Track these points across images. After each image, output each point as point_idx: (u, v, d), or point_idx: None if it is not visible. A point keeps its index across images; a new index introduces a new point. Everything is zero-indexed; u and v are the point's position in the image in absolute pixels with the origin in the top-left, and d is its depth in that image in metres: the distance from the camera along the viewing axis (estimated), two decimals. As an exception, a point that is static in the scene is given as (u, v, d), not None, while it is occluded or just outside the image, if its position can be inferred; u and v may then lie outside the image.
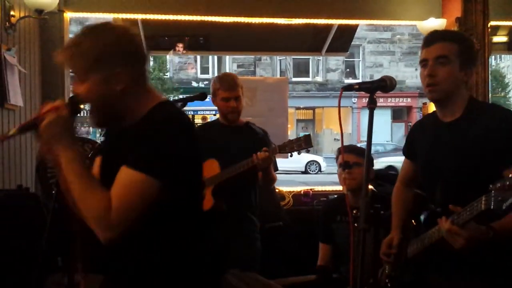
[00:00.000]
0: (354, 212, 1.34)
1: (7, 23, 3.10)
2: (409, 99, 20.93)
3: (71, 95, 1.38)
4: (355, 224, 1.34)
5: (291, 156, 2.54)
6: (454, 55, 1.72)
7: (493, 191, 1.38)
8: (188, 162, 1.32)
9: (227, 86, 2.62)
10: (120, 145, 1.33)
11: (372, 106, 1.39)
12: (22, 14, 3.28)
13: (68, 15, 3.74)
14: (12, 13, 3.14)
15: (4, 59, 3.00)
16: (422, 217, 1.89)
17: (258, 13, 3.89)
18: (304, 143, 2.39)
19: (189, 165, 1.33)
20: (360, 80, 19.60)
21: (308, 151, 2.62)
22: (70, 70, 1.34)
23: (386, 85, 1.43)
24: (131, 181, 1.24)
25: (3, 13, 3.06)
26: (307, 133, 2.48)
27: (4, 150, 3.06)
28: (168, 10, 3.78)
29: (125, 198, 1.24)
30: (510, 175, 1.34)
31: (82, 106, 1.35)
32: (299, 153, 2.48)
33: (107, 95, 1.31)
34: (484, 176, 1.44)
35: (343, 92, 1.45)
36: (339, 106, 1.32)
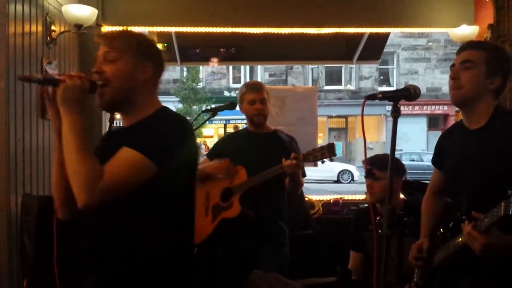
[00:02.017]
0: (378, 218, 1.36)
1: (48, 37, 3.26)
2: (445, 107, 20.45)
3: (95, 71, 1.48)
4: (379, 231, 1.36)
5: (315, 165, 2.54)
6: (481, 61, 1.74)
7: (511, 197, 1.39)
8: (183, 159, 1.42)
9: (252, 88, 2.70)
10: (119, 143, 1.40)
11: (396, 114, 1.41)
12: (62, 29, 3.44)
13: (106, 29, 3.90)
14: (53, 28, 3.31)
15: (46, 72, 3.16)
16: (448, 226, 1.89)
17: (287, 24, 3.94)
18: (328, 152, 2.38)
19: (185, 161, 1.43)
20: (394, 88, 19.30)
21: (332, 160, 2.61)
22: (105, 50, 1.46)
23: (410, 94, 1.45)
24: (127, 157, 1.34)
25: (44, 28, 3.22)
26: (331, 142, 2.47)
27: (45, 157, 3.20)
28: (200, 22, 3.89)
29: (118, 170, 1.32)
30: None
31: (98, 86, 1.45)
32: (322, 162, 2.48)
33: (131, 79, 1.45)
34: (507, 184, 1.43)
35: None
36: (362, 115, 1.34)
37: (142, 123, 1.45)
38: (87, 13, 3.35)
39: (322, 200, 3.74)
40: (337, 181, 16.68)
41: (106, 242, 1.44)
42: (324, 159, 2.42)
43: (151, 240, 1.41)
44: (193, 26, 3.94)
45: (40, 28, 3.16)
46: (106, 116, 3.69)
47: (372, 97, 1.45)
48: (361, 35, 4.50)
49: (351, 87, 21.38)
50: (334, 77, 21.57)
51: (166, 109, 1.52)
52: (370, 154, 2.64)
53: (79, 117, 1.38)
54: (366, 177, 2.39)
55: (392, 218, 1.31)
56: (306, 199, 3.56)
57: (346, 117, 21.91)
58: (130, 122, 1.50)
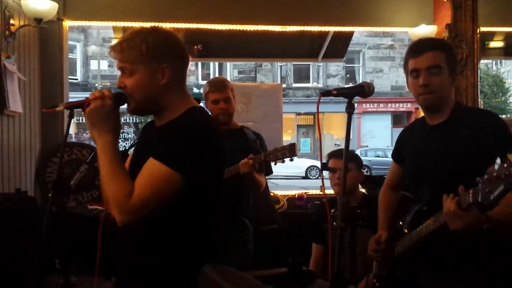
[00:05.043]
0: (332, 211, 1.40)
1: (6, 31, 3.17)
2: (409, 104, 20.95)
3: (117, 87, 1.48)
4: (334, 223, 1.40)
5: (276, 163, 2.53)
6: (444, 63, 1.78)
7: (480, 184, 1.41)
8: (211, 165, 1.42)
9: (215, 88, 2.68)
10: (152, 142, 1.43)
11: (350, 110, 1.45)
12: (21, 23, 3.35)
13: (67, 23, 3.82)
14: (12, 22, 3.22)
15: (4, 66, 3.08)
16: (408, 217, 1.95)
17: (252, 21, 3.96)
18: (289, 152, 2.41)
19: (210, 168, 1.42)
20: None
21: (292, 160, 2.65)
22: (120, 65, 1.44)
23: (363, 90, 1.49)
24: (155, 172, 1.34)
25: (3, 22, 3.13)
26: (293, 143, 2.50)
27: (3, 154, 3.13)
28: (166, 18, 3.85)
29: (146, 187, 1.33)
30: (496, 168, 1.36)
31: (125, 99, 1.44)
32: (283, 162, 2.47)
33: (151, 87, 1.43)
34: (469, 175, 1.47)
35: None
36: (317, 112, 1.38)
37: (171, 125, 1.43)
38: (47, 7, 3.28)
39: (287, 195, 3.79)
40: (305, 177, 16.86)
41: (137, 242, 1.45)
42: (285, 159, 2.44)
43: (178, 239, 1.41)
44: (158, 22, 3.90)
45: (-2, 22, 3.08)
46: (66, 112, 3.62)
47: (327, 93, 1.49)
48: (325, 33, 4.57)
49: (319, 84, 21.62)
50: (302, 75, 21.77)
51: (195, 110, 1.49)
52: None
53: (108, 137, 1.40)
54: (323, 169, 2.43)
55: (346, 211, 1.35)
56: (272, 194, 3.60)
57: (314, 114, 22.11)
58: (160, 122, 1.49)
